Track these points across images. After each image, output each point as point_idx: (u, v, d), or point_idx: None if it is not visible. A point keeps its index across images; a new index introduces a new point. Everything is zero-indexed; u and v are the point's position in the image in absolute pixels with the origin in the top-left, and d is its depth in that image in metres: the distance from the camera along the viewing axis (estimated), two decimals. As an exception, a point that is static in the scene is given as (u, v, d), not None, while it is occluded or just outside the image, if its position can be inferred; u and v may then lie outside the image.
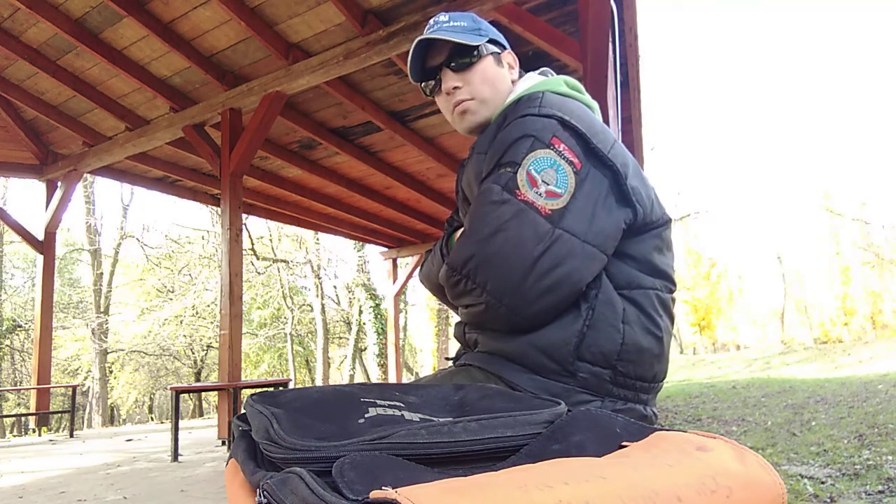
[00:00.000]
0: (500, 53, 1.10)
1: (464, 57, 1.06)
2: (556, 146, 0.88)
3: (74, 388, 7.18)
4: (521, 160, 0.87)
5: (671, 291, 0.97)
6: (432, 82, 1.11)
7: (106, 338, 17.35)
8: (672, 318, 0.97)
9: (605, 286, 0.89)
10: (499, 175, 0.89)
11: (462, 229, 1.00)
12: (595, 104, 1.06)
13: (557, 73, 1.09)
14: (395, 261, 11.33)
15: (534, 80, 1.06)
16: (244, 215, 8.58)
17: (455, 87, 1.07)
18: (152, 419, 21.06)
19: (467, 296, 0.90)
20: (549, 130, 0.89)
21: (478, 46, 1.06)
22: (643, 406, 0.92)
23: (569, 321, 0.87)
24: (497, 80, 1.07)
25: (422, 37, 1.06)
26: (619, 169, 0.90)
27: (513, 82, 1.10)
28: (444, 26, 1.08)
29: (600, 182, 0.89)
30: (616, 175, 0.90)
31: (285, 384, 5.72)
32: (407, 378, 19.75)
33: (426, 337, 21.71)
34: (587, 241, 0.85)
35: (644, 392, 0.92)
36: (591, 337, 0.86)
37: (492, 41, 1.09)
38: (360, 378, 19.33)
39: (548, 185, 0.86)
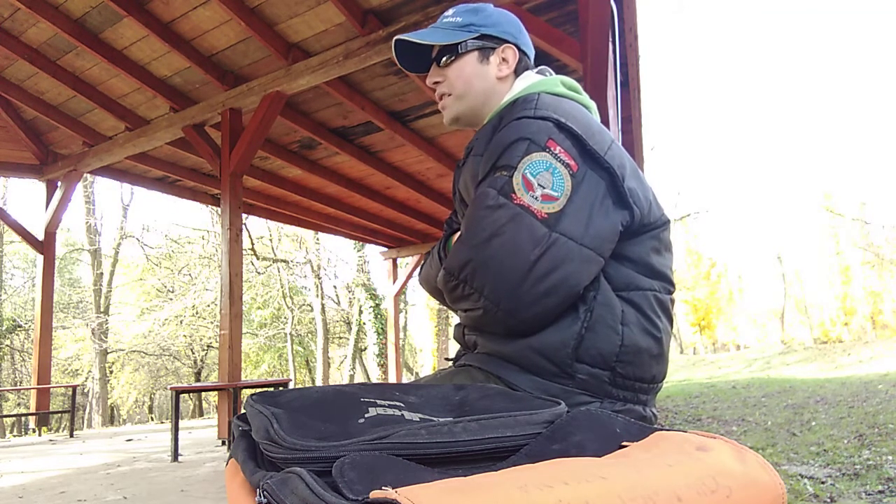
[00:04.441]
0: (492, 49, 1.08)
1: (445, 54, 1.09)
2: (552, 149, 0.87)
3: (74, 388, 7.18)
4: (517, 163, 0.87)
5: (670, 293, 0.97)
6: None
7: (106, 338, 17.35)
8: (671, 319, 0.97)
9: (603, 288, 0.89)
10: (494, 178, 0.89)
11: (459, 233, 1.00)
12: (593, 104, 1.05)
13: (557, 73, 1.09)
14: (395, 261, 11.33)
15: (531, 80, 1.06)
16: (244, 215, 8.58)
17: (436, 83, 1.12)
18: (152, 419, 21.06)
19: (465, 300, 0.90)
20: (545, 133, 0.88)
21: (456, 45, 1.07)
22: (642, 407, 0.92)
23: (567, 324, 0.87)
24: (474, 77, 1.08)
25: (397, 37, 1.10)
26: (616, 170, 0.90)
27: (500, 78, 1.08)
28: (441, 22, 1.12)
29: (597, 184, 0.88)
30: (613, 177, 0.89)
31: (285, 384, 5.72)
32: (407, 378, 19.75)
33: (426, 337, 21.70)
34: (584, 244, 0.85)
35: (643, 393, 0.92)
36: (590, 339, 0.86)
37: (484, 36, 1.08)
38: (360, 378, 19.33)
39: (544, 188, 0.85)
